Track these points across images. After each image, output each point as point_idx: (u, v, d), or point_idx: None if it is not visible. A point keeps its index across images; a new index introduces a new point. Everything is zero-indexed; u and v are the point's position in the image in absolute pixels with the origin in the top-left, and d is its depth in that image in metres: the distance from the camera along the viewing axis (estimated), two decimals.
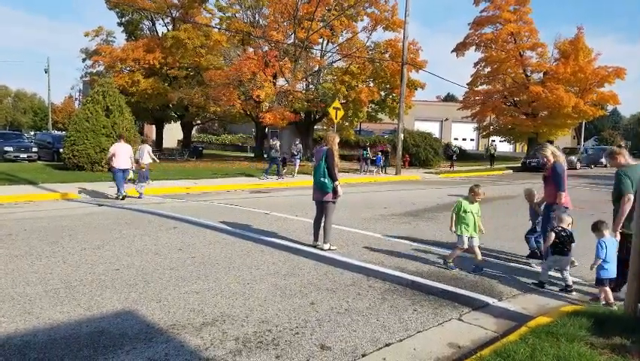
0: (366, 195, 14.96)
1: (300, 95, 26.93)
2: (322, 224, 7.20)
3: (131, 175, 13.84)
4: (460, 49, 37.72)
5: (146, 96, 31.19)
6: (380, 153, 24.91)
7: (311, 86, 28.89)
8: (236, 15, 31.70)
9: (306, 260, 6.47)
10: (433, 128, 44.79)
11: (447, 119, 57.46)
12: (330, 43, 29.76)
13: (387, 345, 3.90)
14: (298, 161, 20.98)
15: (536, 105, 34.51)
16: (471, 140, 57.71)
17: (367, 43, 29.06)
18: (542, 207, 6.66)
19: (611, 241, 5.04)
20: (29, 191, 12.57)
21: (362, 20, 29.56)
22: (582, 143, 51.02)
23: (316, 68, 28.54)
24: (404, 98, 23.94)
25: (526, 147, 40.87)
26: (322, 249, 7.04)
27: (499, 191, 17.09)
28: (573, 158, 33.88)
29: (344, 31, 29.27)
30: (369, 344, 3.91)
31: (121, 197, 12.26)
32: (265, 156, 20.91)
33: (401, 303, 4.91)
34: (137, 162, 13.92)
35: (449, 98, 77.94)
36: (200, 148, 34.71)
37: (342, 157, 31.43)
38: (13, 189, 12.79)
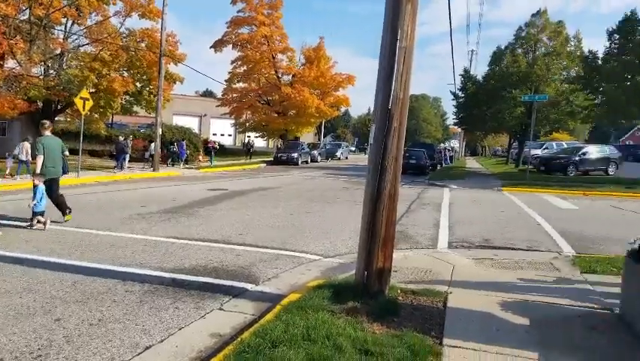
0: (121, 194, 13.89)
1: (37, 80, 22.91)
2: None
3: None
4: (219, 45, 38.40)
5: None
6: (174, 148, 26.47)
7: (52, 72, 24.90)
8: None
9: (49, 272, 5.66)
10: (192, 123, 44.39)
11: (206, 115, 57.82)
12: (76, 25, 26.16)
13: (147, 348, 3.77)
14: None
15: (286, 105, 38.00)
16: (229, 135, 59.57)
17: (121, 30, 26.68)
18: None
19: (43, 188, 8.16)
20: None
21: (115, 4, 26.94)
22: (322, 139, 58.54)
23: (58, 51, 24.76)
24: (162, 91, 23.04)
25: (279, 143, 44.52)
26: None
27: (258, 183, 18.22)
28: (315, 152, 38.99)
29: (93, 13, 26.16)
30: (128, 351, 3.71)
31: None
32: None
33: (162, 303, 4.79)
34: None
35: (208, 94, 78.58)
36: None
37: (92, 153, 28.36)
38: None
